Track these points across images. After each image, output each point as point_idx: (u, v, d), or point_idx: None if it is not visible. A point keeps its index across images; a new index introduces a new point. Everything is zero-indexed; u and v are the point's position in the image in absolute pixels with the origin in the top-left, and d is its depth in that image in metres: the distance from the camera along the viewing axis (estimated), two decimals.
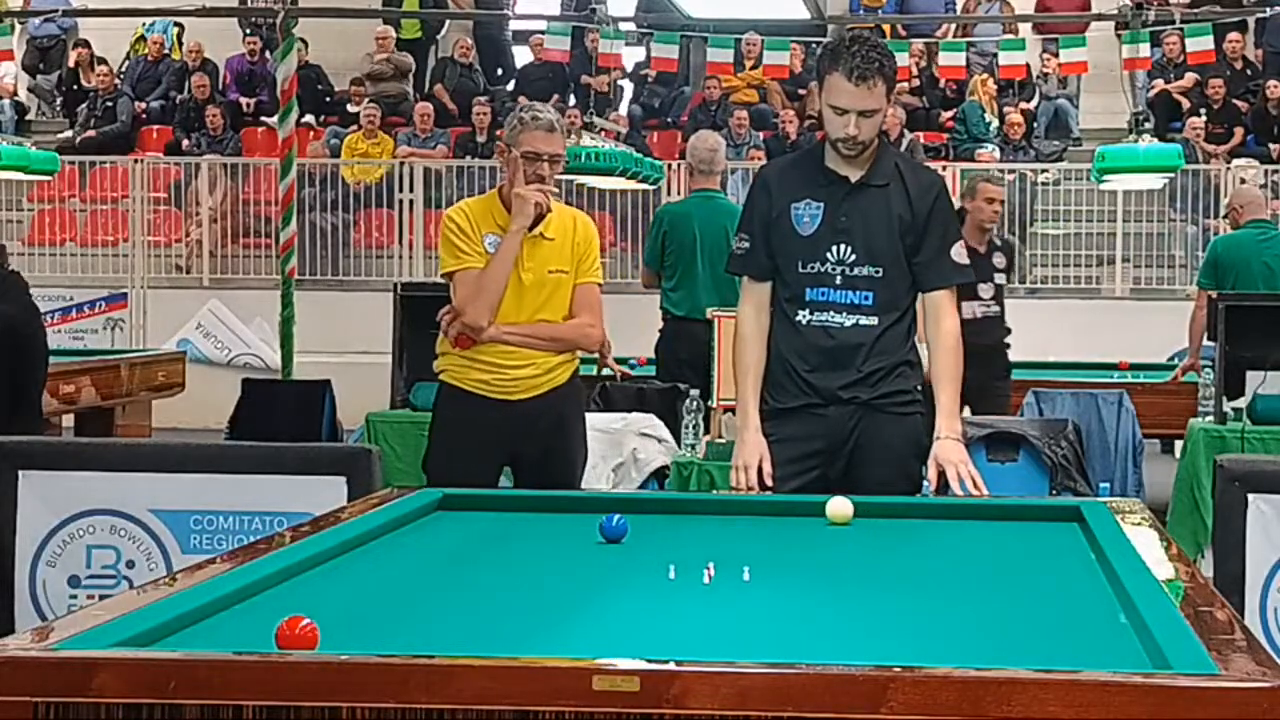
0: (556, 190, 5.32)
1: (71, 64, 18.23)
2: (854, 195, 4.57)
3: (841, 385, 4.55)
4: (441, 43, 18.39)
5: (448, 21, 18.22)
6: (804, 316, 4.56)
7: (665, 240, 8.47)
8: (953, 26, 16.38)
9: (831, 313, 4.55)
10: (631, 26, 15.66)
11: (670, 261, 8.45)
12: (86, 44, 18.04)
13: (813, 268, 4.55)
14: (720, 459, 6.28)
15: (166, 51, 18.27)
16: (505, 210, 5.23)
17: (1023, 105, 16.64)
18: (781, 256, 4.60)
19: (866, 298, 4.55)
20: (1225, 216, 10.14)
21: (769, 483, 4.53)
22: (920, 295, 4.64)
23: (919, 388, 4.66)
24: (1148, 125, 11.50)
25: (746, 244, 4.65)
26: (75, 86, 18.13)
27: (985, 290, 8.26)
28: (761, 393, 4.64)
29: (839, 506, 3.93)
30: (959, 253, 4.68)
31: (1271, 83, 15.77)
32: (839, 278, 4.55)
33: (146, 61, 18.19)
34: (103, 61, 17.87)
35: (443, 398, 5.41)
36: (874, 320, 4.56)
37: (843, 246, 4.54)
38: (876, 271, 4.55)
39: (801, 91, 17.02)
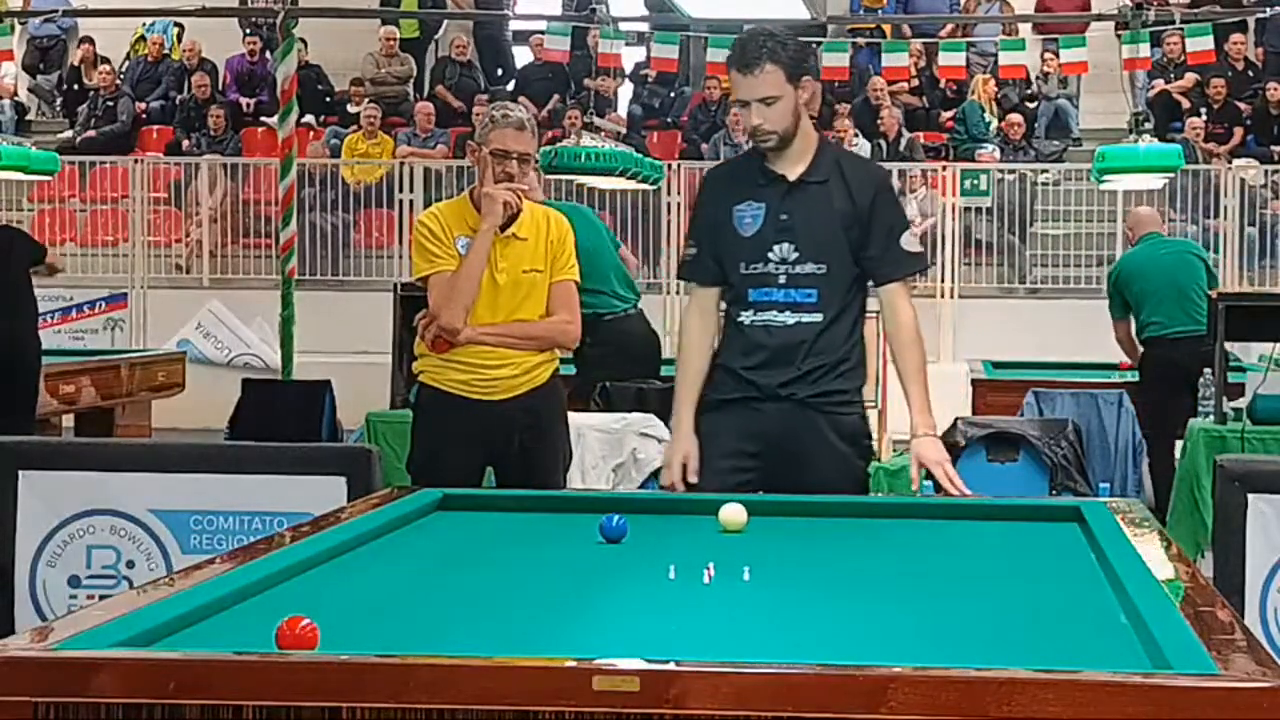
0: (528, 188, 5.29)
1: (76, 62, 18.23)
2: (794, 193, 4.56)
3: (781, 382, 4.53)
4: (440, 42, 18.38)
5: (445, 21, 18.21)
6: (747, 317, 4.56)
7: None
8: (953, 26, 16.36)
9: (774, 312, 4.54)
10: (632, 26, 15.64)
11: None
12: (90, 41, 18.02)
13: (755, 268, 4.54)
14: None
15: (166, 51, 18.27)
16: (477, 212, 5.21)
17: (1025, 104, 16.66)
18: (726, 259, 4.60)
19: (810, 295, 4.54)
20: (1126, 241, 10.60)
21: (693, 479, 4.52)
22: (879, 291, 4.65)
23: (860, 388, 4.66)
24: (1148, 125, 11.49)
25: (694, 250, 4.66)
26: (78, 85, 18.14)
27: None
28: (702, 390, 4.64)
29: (731, 513, 3.80)
30: (909, 242, 4.67)
31: (1272, 83, 15.78)
32: (782, 277, 4.53)
33: (146, 61, 18.20)
34: (104, 61, 17.87)
35: (422, 399, 5.42)
36: (818, 317, 4.54)
37: (785, 245, 4.53)
38: (820, 268, 4.54)
39: None
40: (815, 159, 4.60)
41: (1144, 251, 9.52)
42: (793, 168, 4.58)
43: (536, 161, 5.38)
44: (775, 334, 4.53)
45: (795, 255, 4.53)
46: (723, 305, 4.68)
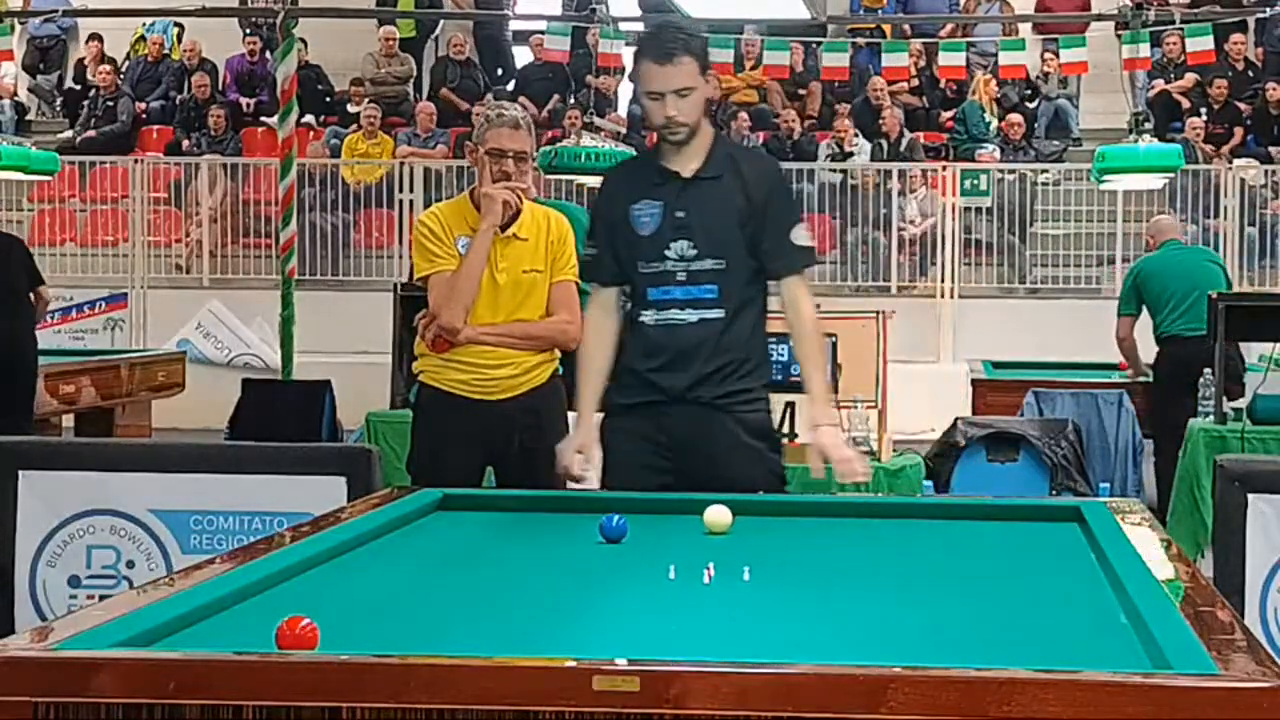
0: (526, 187, 5.28)
1: (84, 59, 18.20)
2: (689, 190, 4.54)
3: (686, 385, 4.51)
4: (439, 42, 18.37)
5: (441, 21, 18.20)
6: (649, 316, 4.54)
7: None
8: (953, 26, 16.37)
9: (675, 310, 4.52)
10: (632, 26, 15.64)
11: None
12: (99, 39, 17.98)
13: (654, 266, 4.53)
14: None
15: (166, 51, 18.27)
16: (477, 211, 5.21)
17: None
18: (626, 259, 4.58)
19: (711, 291, 4.51)
20: (1145, 248, 10.91)
21: (576, 471, 4.53)
22: (780, 285, 4.62)
23: (765, 385, 4.64)
24: (1148, 125, 11.49)
25: (594, 251, 4.66)
26: (82, 83, 18.14)
27: None
28: (608, 392, 4.62)
29: (716, 515, 3.79)
30: (800, 235, 4.65)
31: (1271, 83, 15.78)
32: (681, 274, 4.52)
33: (146, 61, 18.19)
34: (105, 61, 17.86)
35: (422, 399, 5.41)
36: (719, 313, 4.52)
37: (683, 242, 4.51)
38: (719, 264, 4.51)
39: (802, 91, 17.03)
40: (710, 155, 4.57)
41: (1165, 255, 9.70)
42: (688, 164, 4.55)
43: (535, 160, 5.37)
44: (678, 334, 4.51)
45: (693, 252, 4.50)
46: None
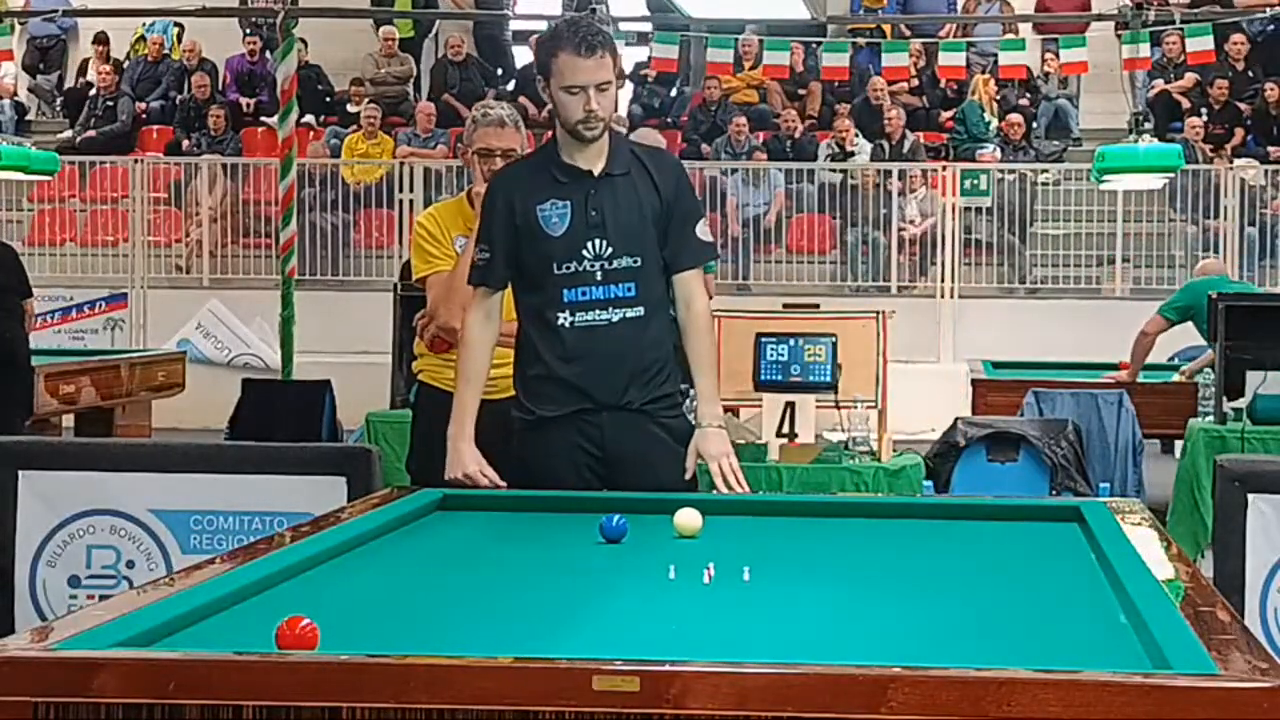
0: None
1: (90, 58, 18.19)
2: (600, 187, 4.48)
3: (619, 389, 4.44)
4: (437, 42, 18.37)
5: (438, 21, 18.20)
6: (565, 319, 4.44)
7: None
8: (953, 26, 16.38)
9: (596, 311, 4.44)
10: (632, 26, 15.65)
11: None
12: (105, 40, 17.96)
13: (569, 267, 4.44)
14: None
15: (166, 51, 18.27)
16: (473, 211, 5.20)
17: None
18: (533, 261, 4.48)
19: (629, 289, 4.45)
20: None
21: (485, 483, 4.38)
22: (675, 280, 4.55)
23: (679, 389, 4.58)
24: (1148, 125, 11.50)
25: (486, 254, 4.51)
26: (83, 81, 18.14)
27: None
28: (521, 405, 4.51)
29: (687, 518, 3.73)
30: (703, 230, 4.61)
31: (1270, 84, 15.78)
32: (599, 273, 4.44)
33: (146, 61, 18.19)
34: (104, 61, 17.86)
35: (421, 398, 5.39)
36: (640, 311, 4.46)
37: (598, 241, 4.44)
38: (635, 261, 4.45)
39: (802, 91, 17.03)
40: (614, 152, 4.51)
41: (1218, 281, 9.77)
42: (594, 162, 4.48)
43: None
44: (600, 335, 4.43)
45: (609, 250, 4.43)
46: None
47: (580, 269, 4.43)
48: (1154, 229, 15.39)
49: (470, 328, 4.54)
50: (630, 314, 4.44)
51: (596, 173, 4.48)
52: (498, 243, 4.50)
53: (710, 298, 4.75)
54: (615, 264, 4.44)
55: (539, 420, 4.47)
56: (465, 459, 4.43)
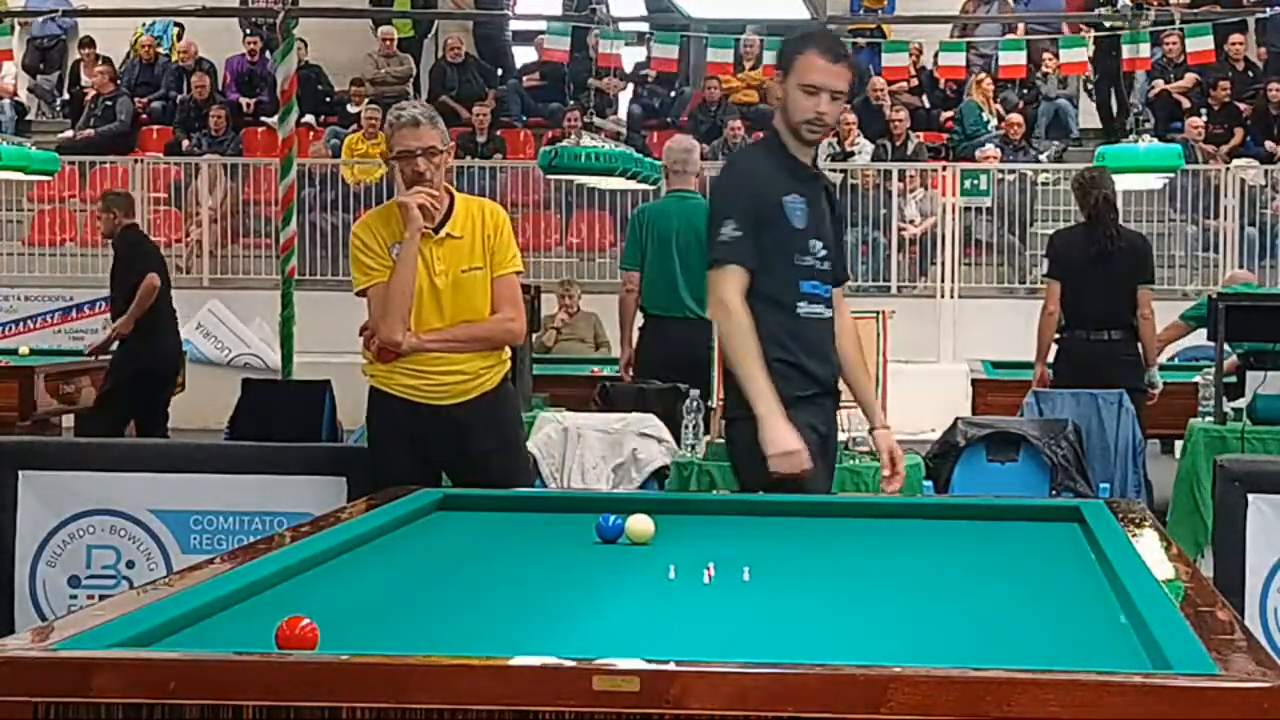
0: (436, 187, 5.02)
1: (84, 59, 18.19)
2: (815, 187, 4.67)
3: (830, 376, 4.68)
4: (437, 41, 18.36)
5: (437, 21, 18.19)
6: (803, 309, 4.59)
7: (646, 238, 8.34)
8: (952, 26, 16.37)
9: (820, 306, 4.63)
10: (632, 26, 15.65)
11: (650, 260, 8.34)
12: (91, 43, 17.97)
13: (805, 260, 4.59)
14: (720, 459, 6.28)
15: (165, 52, 18.27)
16: (402, 217, 5.05)
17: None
18: (775, 249, 4.55)
19: (826, 290, 4.66)
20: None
21: (809, 464, 4.41)
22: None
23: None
24: (1148, 125, 11.50)
25: (739, 232, 4.48)
26: (77, 85, 18.13)
27: None
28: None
29: (641, 524, 3.67)
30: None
31: (1273, 84, 15.77)
32: (819, 270, 4.62)
33: (145, 62, 18.19)
34: (105, 61, 17.86)
35: (371, 405, 5.21)
36: (831, 312, 4.69)
37: (818, 241, 4.62)
38: (828, 265, 4.67)
39: None
40: (814, 159, 4.74)
41: (1247, 290, 9.87)
42: (808, 162, 4.67)
43: (450, 150, 5.15)
44: (822, 328, 4.64)
45: (823, 252, 4.64)
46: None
47: (809, 263, 4.60)
48: (1154, 229, 15.35)
49: (737, 308, 4.47)
50: (826, 313, 4.66)
51: (813, 173, 4.69)
52: (749, 224, 4.52)
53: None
54: (824, 265, 4.64)
55: (790, 399, 4.49)
56: (789, 436, 4.40)
